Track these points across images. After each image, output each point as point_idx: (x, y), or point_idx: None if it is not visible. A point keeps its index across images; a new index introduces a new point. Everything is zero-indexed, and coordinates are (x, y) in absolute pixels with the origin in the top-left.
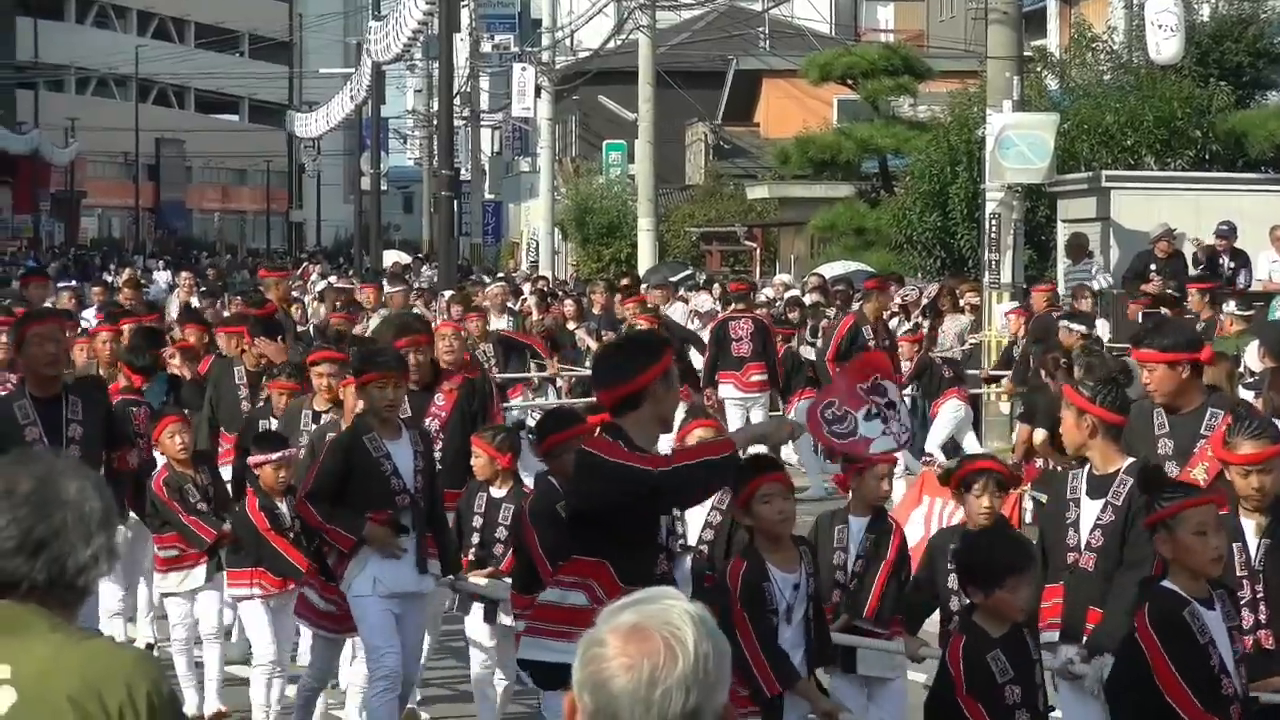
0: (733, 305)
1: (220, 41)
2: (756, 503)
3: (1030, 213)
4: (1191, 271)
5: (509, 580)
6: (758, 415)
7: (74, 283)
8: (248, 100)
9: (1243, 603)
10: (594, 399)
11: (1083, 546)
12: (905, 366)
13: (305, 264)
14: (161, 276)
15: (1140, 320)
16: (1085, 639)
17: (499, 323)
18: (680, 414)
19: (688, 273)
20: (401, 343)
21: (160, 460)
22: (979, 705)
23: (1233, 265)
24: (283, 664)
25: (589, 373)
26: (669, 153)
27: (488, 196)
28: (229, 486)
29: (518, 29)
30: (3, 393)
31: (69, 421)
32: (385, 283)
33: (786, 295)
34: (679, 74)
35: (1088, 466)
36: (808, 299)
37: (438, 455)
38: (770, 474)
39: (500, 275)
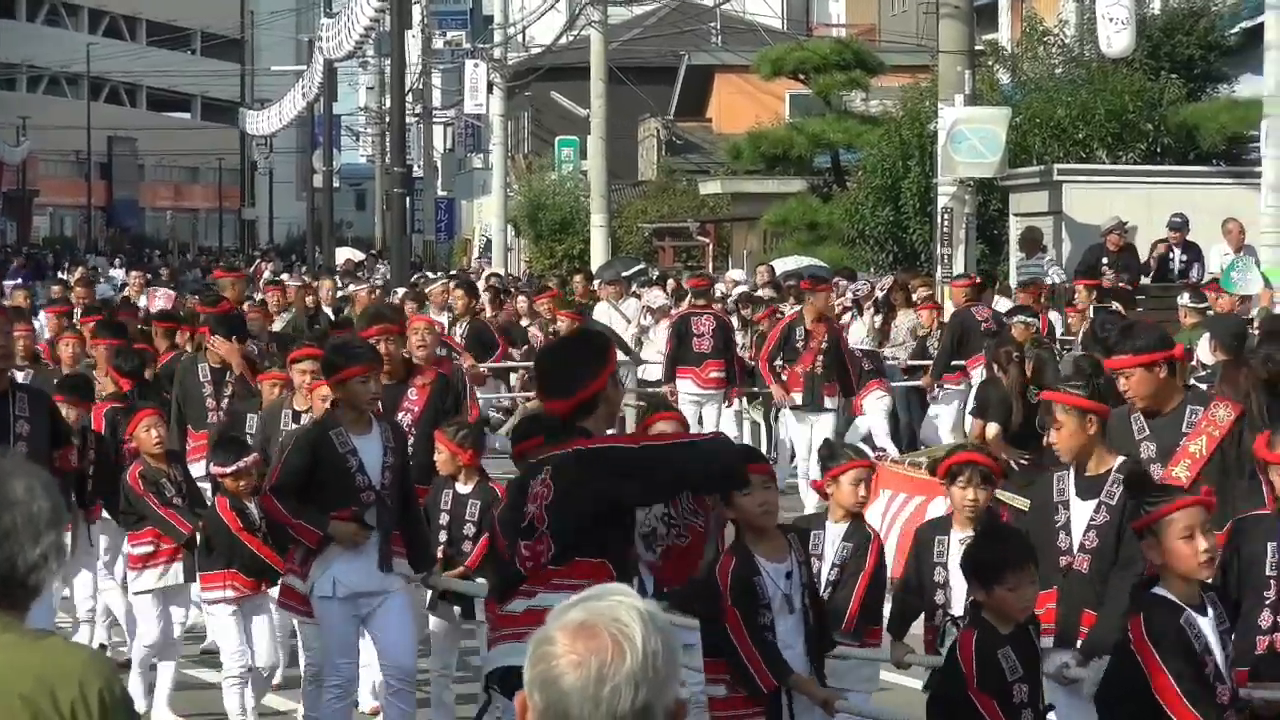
0: (690, 300)
1: (172, 39)
2: (738, 495)
3: (982, 207)
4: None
5: (483, 580)
6: (711, 412)
7: (19, 280)
8: (200, 98)
9: (1266, 603)
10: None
11: (1076, 549)
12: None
13: (258, 262)
14: (119, 275)
15: (1091, 313)
16: (1080, 642)
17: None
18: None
19: (640, 267)
20: (372, 331)
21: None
22: (992, 700)
23: (1185, 259)
24: (269, 664)
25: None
26: (621, 148)
27: (440, 193)
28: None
29: (469, 25)
30: None
31: (17, 418)
32: (338, 279)
33: (736, 291)
34: (631, 70)
35: (1074, 468)
36: (761, 294)
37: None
38: (752, 464)
39: (452, 273)
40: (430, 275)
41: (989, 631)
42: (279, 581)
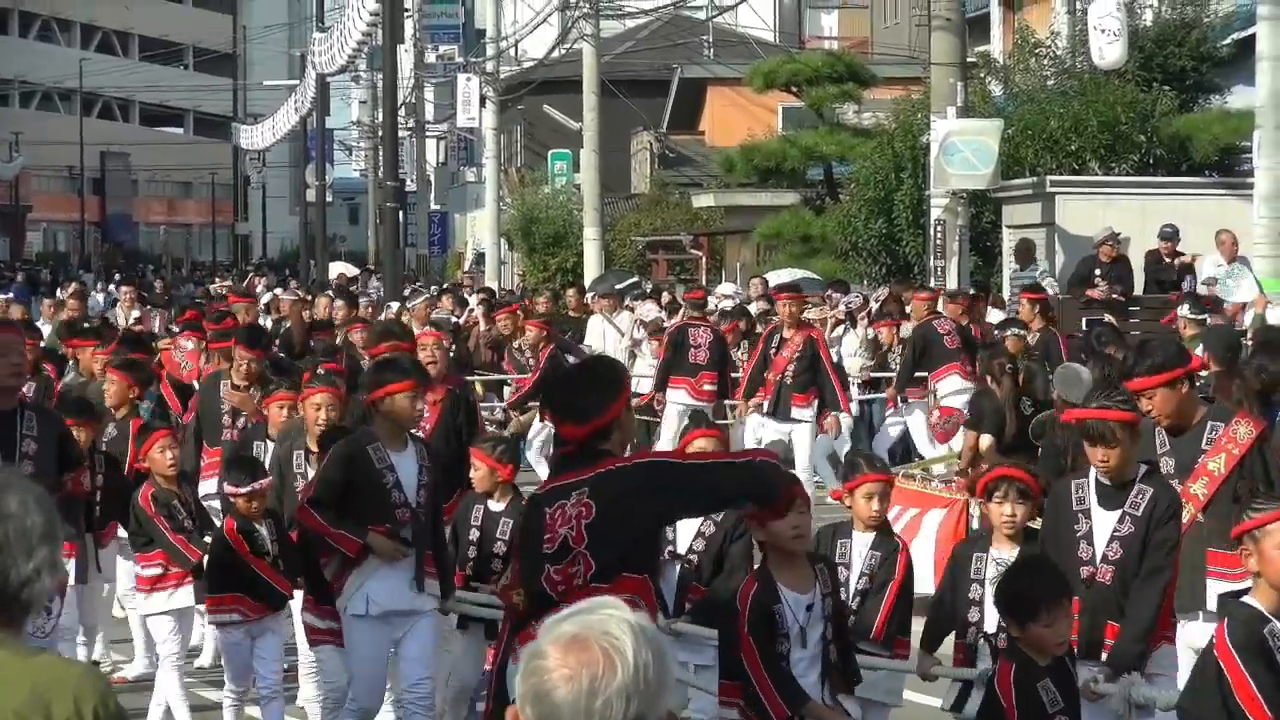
0: (687, 312)
1: (164, 54)
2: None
3: (975, 218)
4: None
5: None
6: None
7: (9, 295)
8: (192, 113)
9: None
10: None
11: (1099, 559)
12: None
13: (251, 276)
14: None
15: (1084, 325)
16: (1106, 656)
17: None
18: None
19: (634, 281)
20: (381, 348)
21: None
22: None
23: (1177, 269)
24: (269, 686)
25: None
26: (614, 162)
27: (433, 207)
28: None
29: (462, 39)
30: None
31: (24, 437)
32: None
33: (723, 304)
34: (623, 83)
35: (1093, 476)
36: (754, 307)
37: None
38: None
39: (445, 286)
40: (421, 290)
41: (1026, 664)
42: (302, 616)
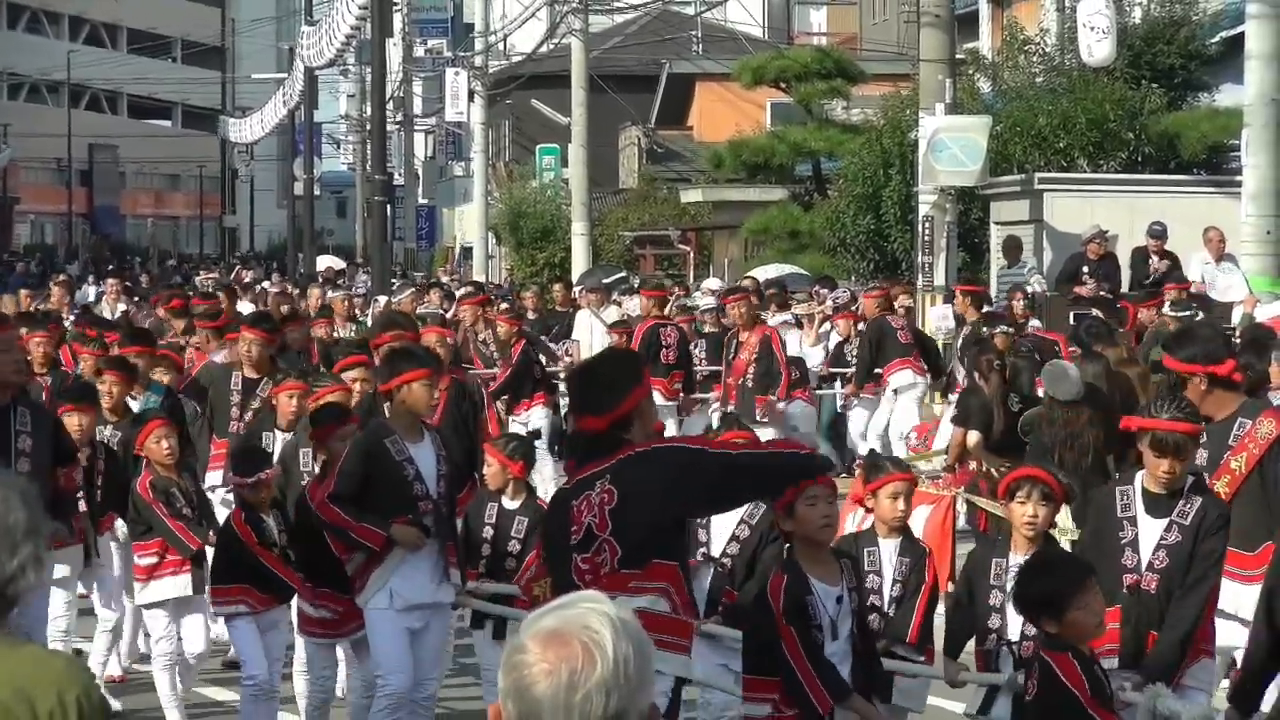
0: (652, 311)
1: (152, 47)
2: (801, 504)
3: (963, 215)
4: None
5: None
6: (673, 426)
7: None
8: (180, 106)
9: None
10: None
11: (1144, 567)
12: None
13: (237, 269)
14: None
15: (1071, 320)
16: (1140, 665)
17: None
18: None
19: (621, 276)
20: (385, 338)
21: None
22: (1113, 714)
23: (1162, 267)
24: (273, 684)
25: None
26: (602, 156)
27: (421, 201)
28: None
29: (450, 33)
30: None
31: (18, 433)
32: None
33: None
34: (612, 78)
35: (1139, 483)
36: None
37: None
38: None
39: (432, 281)
40: (408, 283)
41: (1080, 654)
42: (295, 602)
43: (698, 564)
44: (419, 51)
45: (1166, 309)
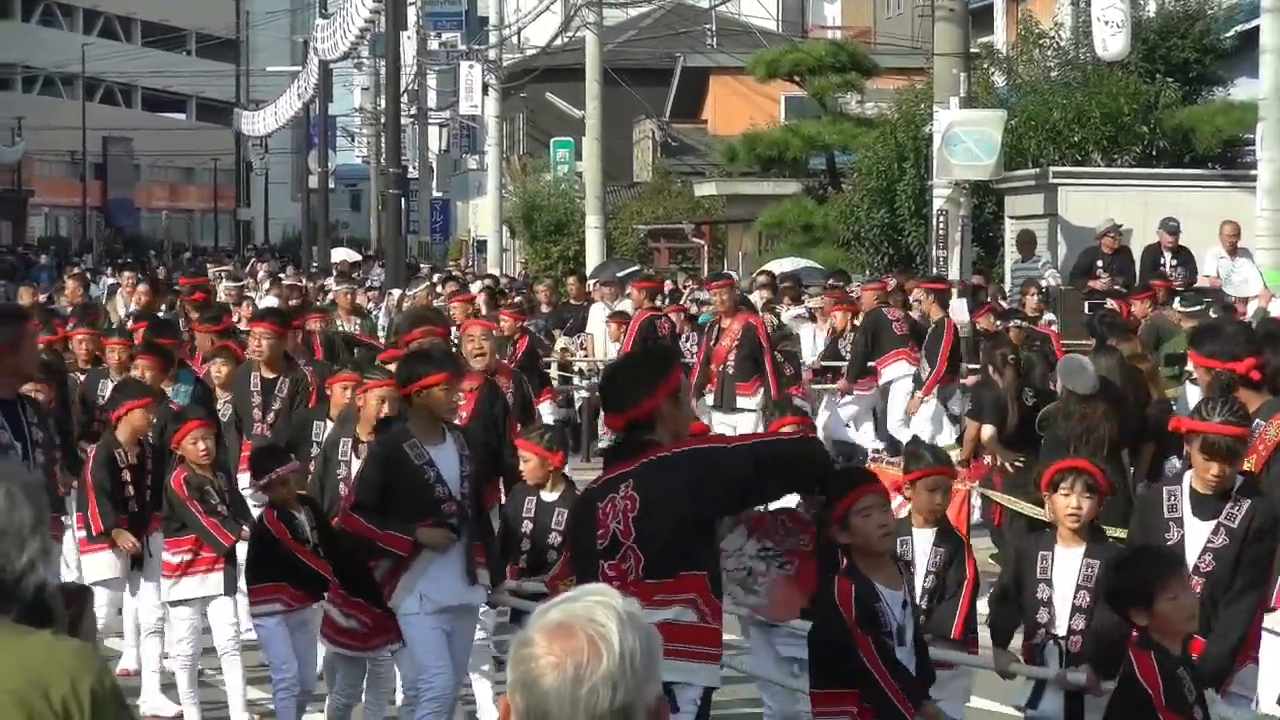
0: (645, 302)
1: (167, 40)
2: (855, 516)
3: (978, 209)
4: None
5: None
6: None
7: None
8: (195, 99)
9: None
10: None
11: (1190, 571)
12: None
13: (252, 261)
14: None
15: (1086, 312)
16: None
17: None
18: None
19: (635, 269)
20: (416, 334)
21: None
22: None
23: (1175, 262)
24: (303, 683)
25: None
26: (616, 150)
27: (435, 194)
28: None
29: (465, 27)
30: None
31: (30, 425)
32: (333, 280)
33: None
34: (626, 71)
35: (1187, 483)
36: (756, 296)
37: None
38: (868, 485)
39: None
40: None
41: (1164, 652)
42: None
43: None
44: (433, 45)
45: (1176, 304)
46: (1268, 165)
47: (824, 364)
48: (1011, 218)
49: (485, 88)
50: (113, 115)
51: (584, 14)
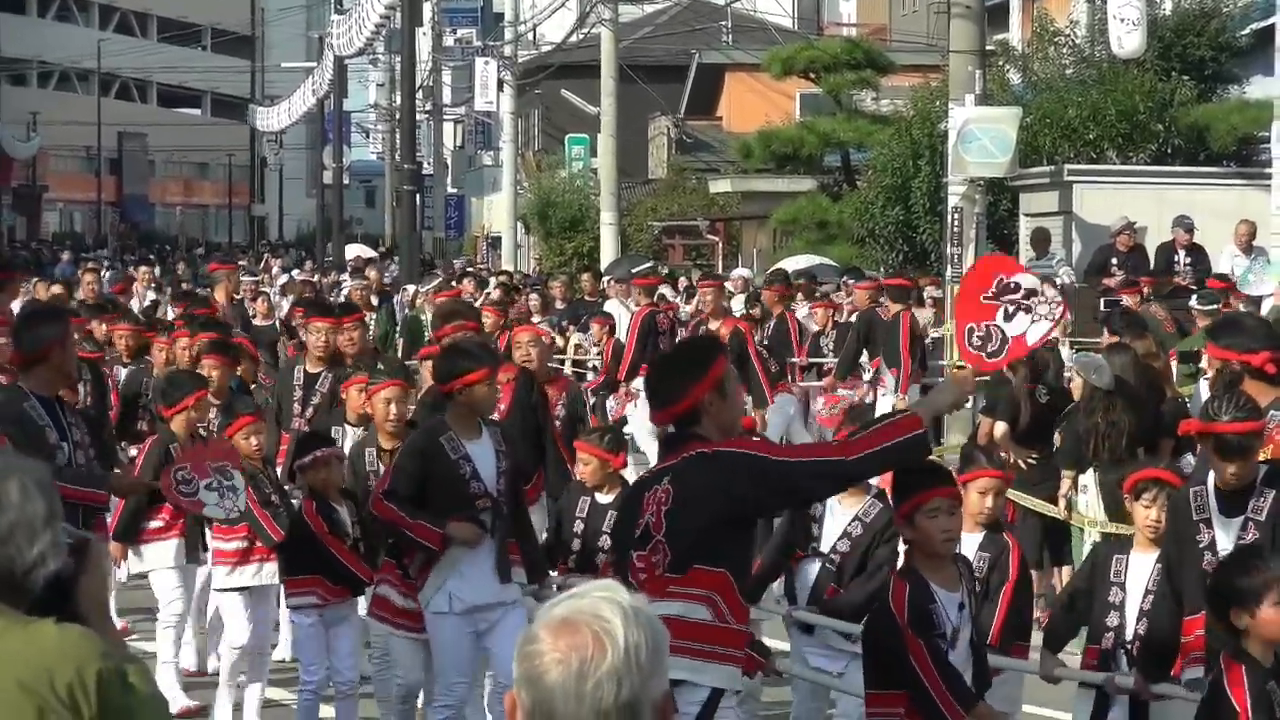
0: (643, 300)
1: (182, 35)
2: (921, 516)
3: (992, 206)
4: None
5: None
6: None
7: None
8: (210, 94)
9: None
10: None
11: None
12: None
13: (266, 257)
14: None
15: (1101, 308)
16: None
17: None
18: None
19: (649, 266)
20: (447, 329)
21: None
22: None
23: (1189, 261)
24: (345, 680)
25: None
26: (631, 146)
27: (450, 190)
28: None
29: (480, 23)
30: None
31: (69, 425)
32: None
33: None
34: (641, 68)
35: (1211, 482)
36: (768, 294)
37: None
38: (941, 487)
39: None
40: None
41: (1253, 665)
42: (372, 591)
43: (804, 557)
44: (448, 41)
45: (1193, 302)
46: None
47: (808, 361)
48: (1026, 215)
49: (500, 84)
50: (128, 110)
51: (599, 10)
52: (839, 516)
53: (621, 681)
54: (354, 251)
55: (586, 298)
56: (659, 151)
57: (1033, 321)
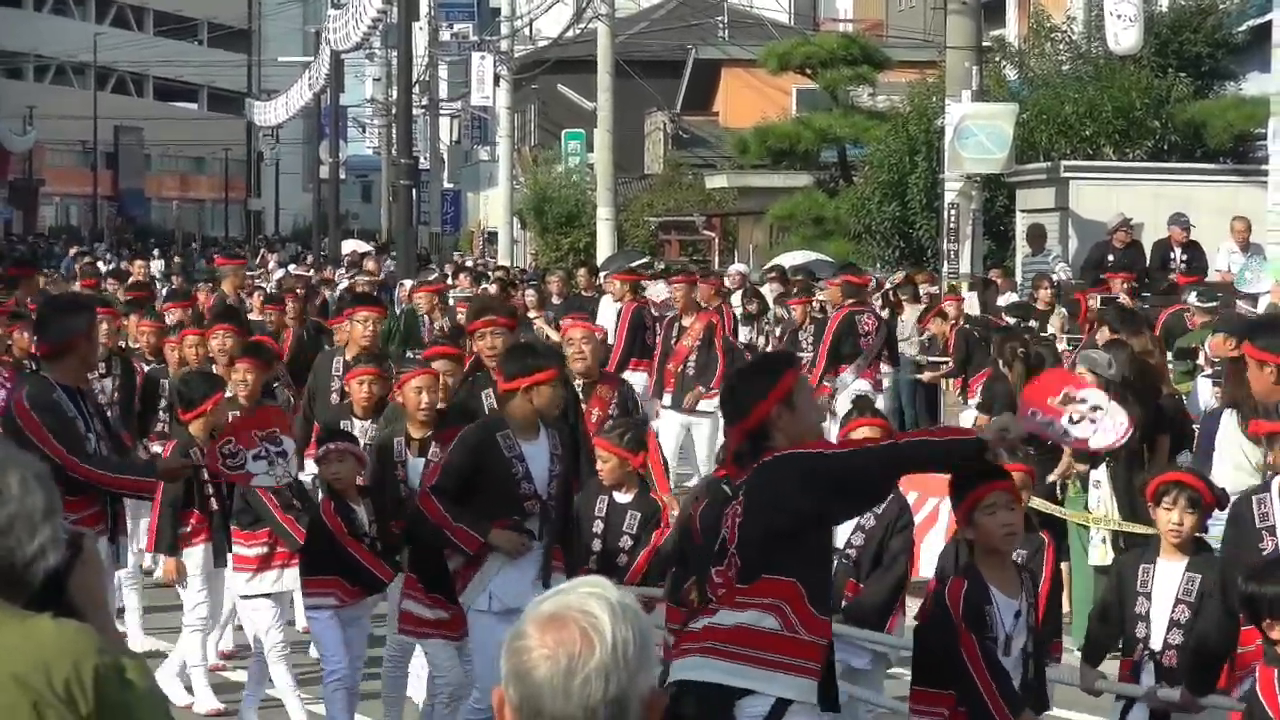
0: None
1: (179, 29)
2: (979, 513)
3: (989, 203)
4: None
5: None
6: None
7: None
8: (206, 88)
9: None
10: None
11: None
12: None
13: (263, 252)
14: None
15: (1098, 306)
16: None
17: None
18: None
19: (645, 261)
20: (478, 324)
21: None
22: None
23: (1185, 258)
24: (354, 680)
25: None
26: (628, 142)
27: (446, 185)
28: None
29: (476, 18)
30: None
31: (90, 416)
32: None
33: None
34: (638, 63)
35: (1275, 488)
36: (767, 289)
37: None
38: (997, 481)
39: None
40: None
41: None
42: (398, 608)
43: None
44: (445, 36)
45: (1191, 299)
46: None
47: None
48: (1023, 211)
49: (497, 79)
50: (124, 105)
51: (596, 5)
52: None
53: (609, 677)
54: (350, 246)
55: (583, 293)
56: (655, 147)
57: (1095, 433)
